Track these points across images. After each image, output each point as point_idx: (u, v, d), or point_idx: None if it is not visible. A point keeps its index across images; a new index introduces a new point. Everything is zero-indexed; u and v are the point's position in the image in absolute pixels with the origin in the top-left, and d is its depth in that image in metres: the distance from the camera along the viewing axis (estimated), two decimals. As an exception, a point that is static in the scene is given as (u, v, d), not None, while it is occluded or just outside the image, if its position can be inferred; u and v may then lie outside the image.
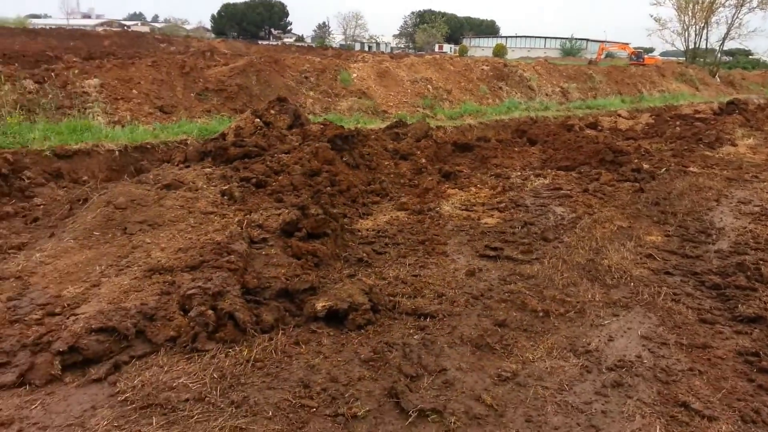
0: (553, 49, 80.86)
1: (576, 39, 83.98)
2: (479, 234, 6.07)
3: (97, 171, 8.68)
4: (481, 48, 79.03)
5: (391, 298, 4.43)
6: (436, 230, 6.15)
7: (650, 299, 4.71)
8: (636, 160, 9.92)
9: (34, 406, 3.05)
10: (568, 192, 7.76)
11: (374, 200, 7.35)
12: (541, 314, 4.30)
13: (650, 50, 63.01)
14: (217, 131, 9.93)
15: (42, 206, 6.58)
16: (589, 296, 4.70)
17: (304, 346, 3.74)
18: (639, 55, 43.33)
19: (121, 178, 8.49)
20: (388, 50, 69.79)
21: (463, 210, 6.95)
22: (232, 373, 3.37)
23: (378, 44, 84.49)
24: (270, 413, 3.04)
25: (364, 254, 5.40)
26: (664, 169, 9.58)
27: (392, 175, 8.38)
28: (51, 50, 17.30)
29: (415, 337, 3.92)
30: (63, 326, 3.61)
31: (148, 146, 9.46)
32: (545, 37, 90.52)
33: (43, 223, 5.98)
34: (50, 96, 10.64)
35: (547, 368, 3.63)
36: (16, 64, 11.76)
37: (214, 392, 3.19)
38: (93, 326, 3.55)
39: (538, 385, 3.44)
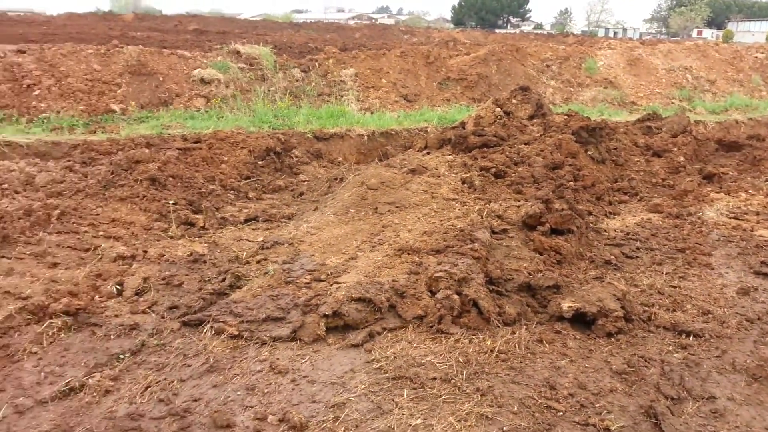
0: None
1: None
2: (753, 248, 5.24)
3: (348, 153, 9.48)
4: (751, 33, 68.06)
5: (646, 309, 4.06)
6: (698, 238, 5.47)
7: None
8: None
9: (303, 360, 3.43)
10: None
11: (622, 199, 6.83)
12: (842, 352, 3.56)
13: None
14: (455, 120, 10.16)
15: (306, 182, 7.40)
16: None
17: (548, 346, 3.62)
18: None
19: (367, 161, 9.17)
20: (636, 36, 64.17)
21: (731, 218, 6.08)
22: (476, 361, 3.39)
23: (625, 30, 78.10)
24: (515, 408, 3.00)
25: (612, 256, 5.04)
26: None
27: (642, 173, 7.69)
28: (312, 42, 19.34)
29: (675, 355, 3.53)
30: (327, 292, 3.99)
31: (392, 132, 10.03)
32: (840, 18, 74.64)
33: (307, 197, 6.72)
34: (313, 84, 11.91)
35: None
36: (285, 55, 13.30)
37: (460, 376, 3.24)
38: (353, 295, 3.87)
39: (839, 437, 2.85)
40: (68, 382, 3.16)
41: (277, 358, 3.41)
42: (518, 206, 5.76)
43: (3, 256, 4.52)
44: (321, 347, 3.57)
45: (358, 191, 6.05)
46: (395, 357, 3.43)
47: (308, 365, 3.37)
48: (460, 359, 3.41)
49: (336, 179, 7.06)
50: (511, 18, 72.77)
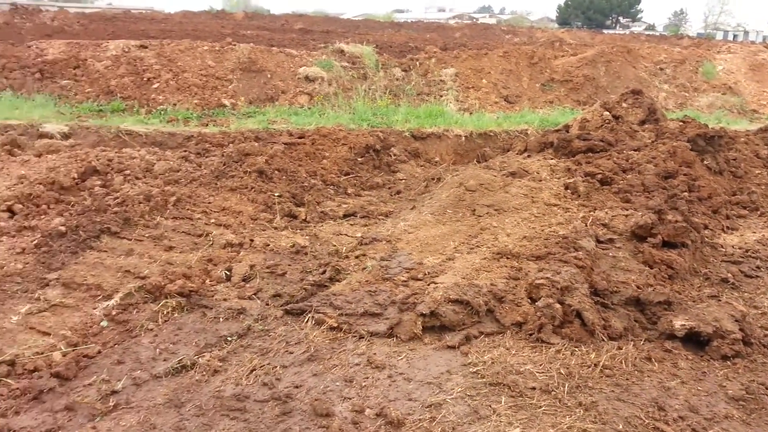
0: None
1: None
2: None
3: (445, 153, 9.43)
4: None
5: (767, 332, 3.74)
6: (830, 261, 4.98)
7: None
8: None
9: (400, 358, 3.44)
10: None
11: (740, 213, 6.34)
12: None
13: None
14: (557, 122, 9.83)
15: (403, 180, 7.45)
16: None
17: (657, 364, 3.42)
18: None
19: (464, 162, 9.07)
20: (759, 39, 59.25)
21: None
22: (579, 374, 3.27)
23: (746, 32, 72.25)
24: (620, 426, 2.85)
25: (729, 274, 4.69)
26: None
27: (764, 187, 7.11)
28: (412, 41, 19.44)
29: (801, 386, 3.23)
30: (425, 291, 3.98)
31: (491, 133, 9.86)
32: None
33: (404, 196, 6.75)
34: (413, 83, 11.96)
35: None
36: (386, 54, 13.41)
37: (561, 388, 3.13)
38: (450, 297, 3.84)
39: None
40: (181, 359, 3.36)
41: (374, 353, 3.45)
42: (626, 215, 5.50)
43: (124, 238, 4.88)
44: (417, 346, 3.57)
45: (456, 192, 6.01)
46: (492, 362, 3.37)
47: (404, 363, 3.38)
48: (562, 371, 3.29)
49: (433, 179, 7.04)
50: (620, 18, 69.29)
